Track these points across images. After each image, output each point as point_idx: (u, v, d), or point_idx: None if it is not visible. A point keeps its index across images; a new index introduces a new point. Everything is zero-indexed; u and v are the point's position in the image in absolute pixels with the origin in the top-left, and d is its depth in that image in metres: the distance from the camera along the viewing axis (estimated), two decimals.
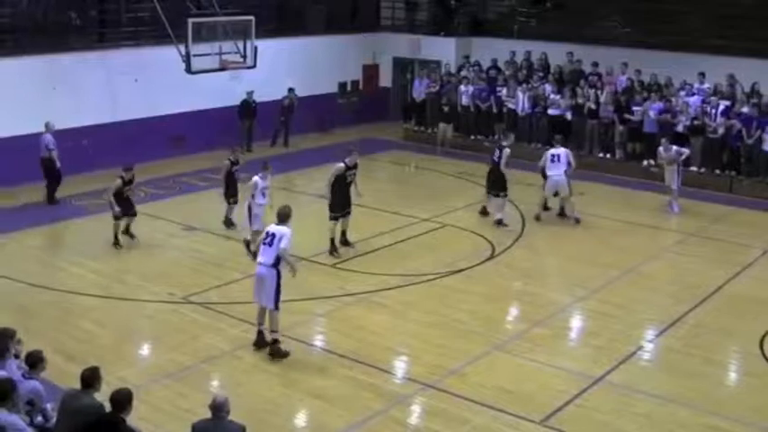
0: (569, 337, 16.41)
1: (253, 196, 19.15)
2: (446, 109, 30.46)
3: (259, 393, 13.52)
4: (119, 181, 20.08)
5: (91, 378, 10.09)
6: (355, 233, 20.60)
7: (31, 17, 25.72)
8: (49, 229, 21.41)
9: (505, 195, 22.06)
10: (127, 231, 20.45)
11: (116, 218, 20.12)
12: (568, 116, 28.65)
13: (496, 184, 22.02)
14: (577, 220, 22.25)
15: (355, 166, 19.87)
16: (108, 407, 9.75)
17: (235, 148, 21.77)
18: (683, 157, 23.54)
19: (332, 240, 19.80)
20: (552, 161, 22.03)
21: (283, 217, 14.78)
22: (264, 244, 14.64)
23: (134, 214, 20.52)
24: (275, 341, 14.74)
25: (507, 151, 21.76)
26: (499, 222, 21.84)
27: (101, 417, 9.75)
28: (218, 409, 9.74)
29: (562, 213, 22.67)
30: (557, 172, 21.95)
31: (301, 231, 20.94)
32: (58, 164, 23.15)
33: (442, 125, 30.55)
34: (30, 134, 23.60)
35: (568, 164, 22.06)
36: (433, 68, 33.12)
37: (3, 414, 9.51)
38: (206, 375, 14.19)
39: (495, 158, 21.98)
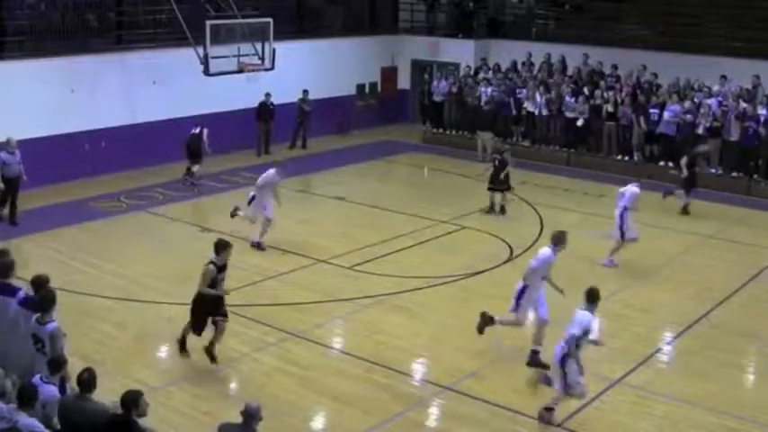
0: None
1: None
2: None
3: (277, 395, 13.52)
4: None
5: (89, 380, 10.10)
6: (374, 235, 20.72)
7: (49, 19, 25.77)
8: (66, 231, 21.37)
9: None
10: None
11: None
12: (585, 119, 28.54)
13: None
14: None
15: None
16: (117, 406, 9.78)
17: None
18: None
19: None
20: None
21: None
22: None
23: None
24: None
25: None
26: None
27: (111, 418, 9.73)
28: (251, 416, 9.74)
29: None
30: None
31: (320, 234, 21.17)
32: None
33: (480, 133, 29.64)
34: (47, 137, 23.69)
35: None
36: (452, 70, 33.10)
37: (23, 417, 9.54)
38: (225, 378, 14.23)
39: None
